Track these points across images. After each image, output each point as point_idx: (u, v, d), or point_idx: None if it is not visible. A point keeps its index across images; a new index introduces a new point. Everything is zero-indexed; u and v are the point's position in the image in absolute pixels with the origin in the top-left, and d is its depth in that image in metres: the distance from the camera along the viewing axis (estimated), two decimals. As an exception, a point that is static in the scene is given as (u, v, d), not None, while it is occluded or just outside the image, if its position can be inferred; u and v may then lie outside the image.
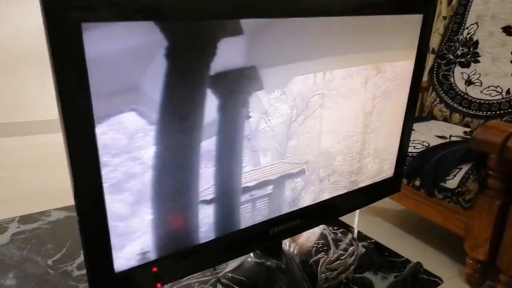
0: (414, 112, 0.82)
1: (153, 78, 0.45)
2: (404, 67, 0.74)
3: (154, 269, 0.55)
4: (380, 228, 1.80)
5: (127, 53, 0.42)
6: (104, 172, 0.45)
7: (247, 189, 0.60)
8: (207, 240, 0.59)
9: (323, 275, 0.74)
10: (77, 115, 0.41)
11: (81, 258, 0.77)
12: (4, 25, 2.72)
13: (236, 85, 0.52)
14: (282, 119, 0.59)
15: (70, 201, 0.92)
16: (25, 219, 0.90)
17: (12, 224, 0.88)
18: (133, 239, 0.51)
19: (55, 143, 2.75)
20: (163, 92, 0.46)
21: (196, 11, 0.46)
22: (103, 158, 0.45)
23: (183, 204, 0.54)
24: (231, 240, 0.62)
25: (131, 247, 0.52)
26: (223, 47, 0.49)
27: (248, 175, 0.59)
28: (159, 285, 0.56)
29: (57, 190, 2.01)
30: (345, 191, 0.75)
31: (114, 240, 0.49)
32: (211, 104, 0.51)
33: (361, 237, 0.91)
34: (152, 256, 0.54)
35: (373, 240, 0.90)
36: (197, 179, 0.54)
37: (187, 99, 0.49)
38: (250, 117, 0.55)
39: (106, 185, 0.46)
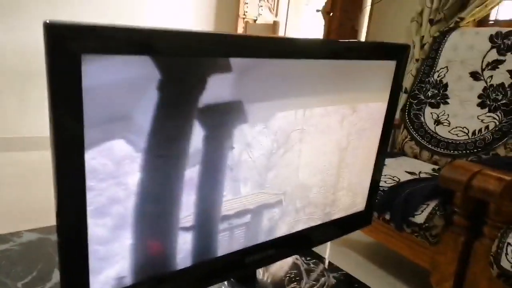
0: (386, 150, 0.86)
1: (145, 109, 0.47)
2: (377, 108, 0.78)
3: (128, 295, 0.55)
4: (350, 259, 1.83)
5: (121, 85, 0.44)
6: (89, 196, 0.46)
7: (226, 218, 0.61)
8: (183, 267, 0.60)
9: (294, 305, 0.76)
10: (68, 141, 0.42)
11: (53, 281, 0.75)
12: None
13: (223, 118, 0.55)
14: (263, 151, 0.62)
15: (42, 221, 0.91)
16: (-5, 239, 0.88)
17: (-19, 244, 0.86)
18: (111, 264, 0.52)
19: (29, 161, 2.68)
20: (153, 122, 0.48)
21: (189, 48, 0.49)
22: (90, 182, 0.46)
23: (163, 230, 0.55)
24: (207, 268, 0.63)
25: (108, 272, 0.52)
26: (212, 83, 0.52)
27: (228, 203, 0.61)
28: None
29: (29, 210, 1.95)
30: (319, 222, 0.78)
31: (92, 264, 0.50)
32: (197, 135, 0.53)
33: (332, 268, 0.93)
34: (127, 281, 0.55)
35: (343, 272, 0.92)
36: (179, 206, 0.55)
37: (176, 129, 0.51)
38: (233, 148, 0.58)
39: (90, 208, 0.47)
